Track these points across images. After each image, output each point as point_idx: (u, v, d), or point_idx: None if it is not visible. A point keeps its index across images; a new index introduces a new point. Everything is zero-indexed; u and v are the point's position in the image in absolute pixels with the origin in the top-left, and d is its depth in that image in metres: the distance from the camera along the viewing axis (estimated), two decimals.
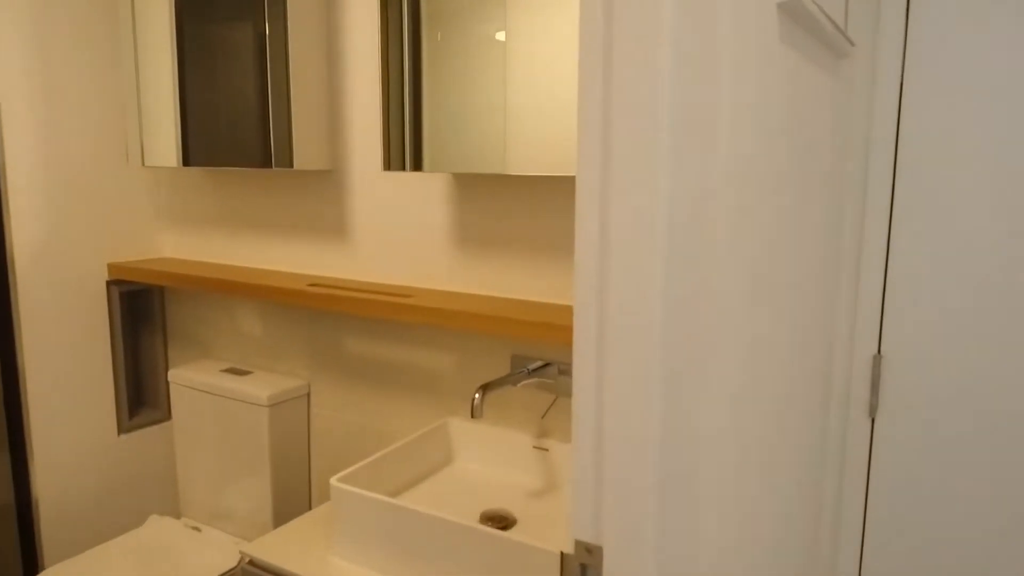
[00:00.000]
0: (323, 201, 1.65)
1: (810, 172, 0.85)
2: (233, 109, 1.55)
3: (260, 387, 1.67)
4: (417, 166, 1.32)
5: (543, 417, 1.41)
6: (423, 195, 1.50)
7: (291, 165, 1.50)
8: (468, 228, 1.45)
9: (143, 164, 1.73)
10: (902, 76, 1.08)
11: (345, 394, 1.69)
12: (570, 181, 1.32)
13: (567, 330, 1.21)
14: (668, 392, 0.56)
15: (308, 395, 1.75)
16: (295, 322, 1.75)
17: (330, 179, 1.63)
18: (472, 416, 1.26)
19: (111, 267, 1.86)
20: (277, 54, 1.47)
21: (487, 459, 1.45)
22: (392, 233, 1.55)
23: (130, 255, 1.91)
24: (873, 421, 1.20)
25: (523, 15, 1.18)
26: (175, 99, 1.65)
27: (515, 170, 1.23)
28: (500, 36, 1.22)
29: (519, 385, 1.43)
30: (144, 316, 2.01)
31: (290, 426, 1.71)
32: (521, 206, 1.38)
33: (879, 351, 1.18)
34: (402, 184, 1.52)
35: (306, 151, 1.53)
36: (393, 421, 1.62)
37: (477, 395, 1.26)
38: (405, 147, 1.32)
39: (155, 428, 2.00)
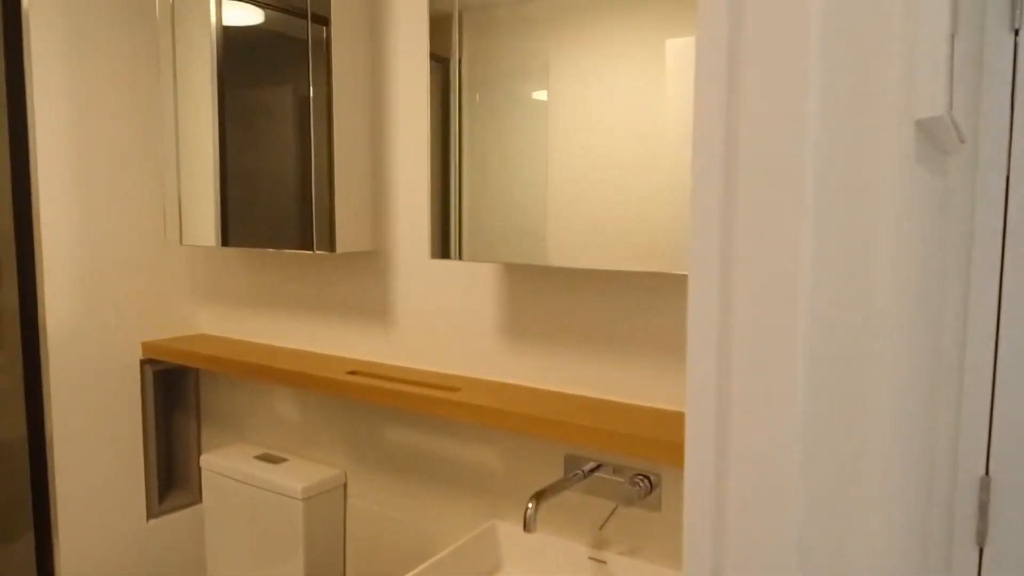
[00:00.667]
0: (366, 284, 1.58)
1: (929, 280, 0.75)
2: (274, 189, 1.50)
3: (295, 478, 1.58)
4: (460, 254, 1.24)
5: (601, 528, 1.29)
6: (470, 281, 1.41)
7: (333, 249, 1.43)
8: (516, 317, 1.36)
9: (181, 243, 1.69)
10: (1008, 167, 0.98)
11: (383, 487, 1.58)
12: (615, 272, 1.23)
13: (626, 439, 1.10)
14: (807, 521, 0.46)
15: (344, 486, 1.65)
16: (333, 408, 1.66)
17: (374, 261, 1.56)
18: (525, 529, 1.15)
19: (145, 346, 1.80)
20: (320, 132, 1.42)
21: (538, 568, 1.32)
22: (437, 319, 1.47)
23: (166, 331, 1.85)
24: (981, 551, 1.06)
25: (567, 85, 1.11)
26: (215, 178, 1.61)
27: (556, 261, 1.14)
28: (540, 95, 1.14)
29: (573, 489, 1.31)
30: (178, 396, 1.94)
31: (325, 519, 1.61)
32: (570, 296, 1.29)
33: (987, 472, 1.05)
34: (448, 269, 1.44)
35: (349, 233, 1.46)
36: (434, 519, 1.50)
37: (530, 506, 1.15)
38: (451, 235, 1.25)
39: (186, 512, 1.91)
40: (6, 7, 1.57)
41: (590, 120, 1.10)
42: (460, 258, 1.24)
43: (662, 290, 1.19)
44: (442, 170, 1.25)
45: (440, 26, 1.23)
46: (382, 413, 1.58)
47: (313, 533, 1.58)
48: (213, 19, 1.57)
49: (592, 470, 1.27)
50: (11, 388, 1.68)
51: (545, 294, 1.32)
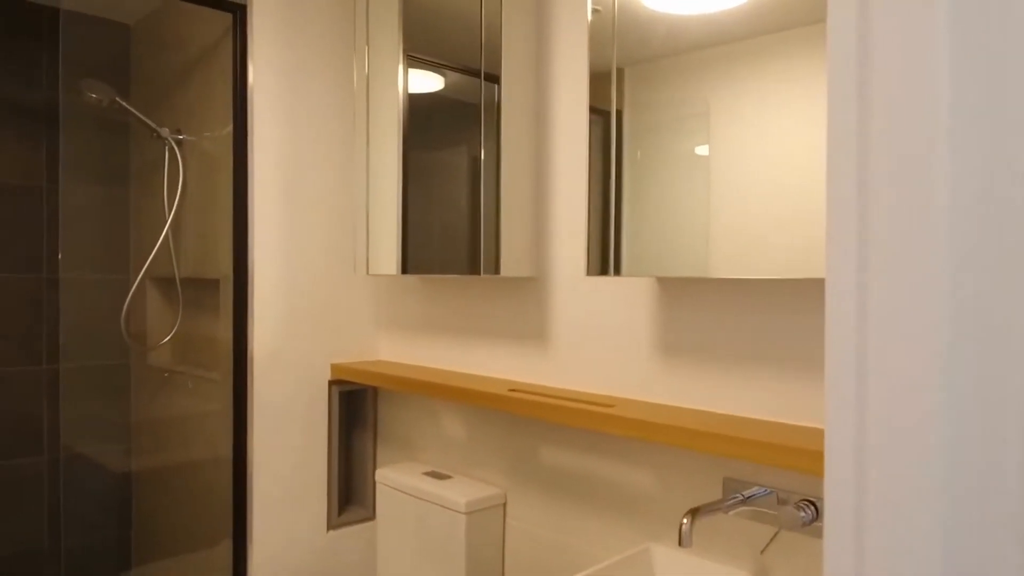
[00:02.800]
0: (526, 307, 1.67)
1: None
2: (447, 223, 1.65)
3: (459, 494, 1.66)
4: (618, 270, 1.29)
5: (762, 552, 1.25)
6: (625, 301, 1.45)
7: (498, 272, 1.54)
8: (673, 336, 1.37)
9: (367, 273, 1.88)
10: None
11: (541, 505, 1.63)
12: (781, 283, 1.21)
13: (788, 452, 1.07)
14: (948, 542, 0.45)
15: (504, 504, 1.71)
16: (494, 428, 1.75)
17: (533, 286, 1.65)
18: (680, 544, 1.14)
19: (334, 367, 2.00)
20: (490, 172, 1.55)
21: None
22: (594, 340, 1.52)
23: (351, 357, 2.05)
24: None
25: (727, 130, 1.14)
26: (398, 215, 1.78)
27: (718, 273, 1.16)
28: (702, 151, 1.18)
29: (731, 513, 1.28)
30: (358, 415, 2.12)
31: (486, 535, 1.68)
32: (727, 312, 1.29)
33: None
34: (604, 290, 1.49)
35: (512, 259, 1.57)
36: (589, 539, 1.52)
37: (685, 521, 1.14)
38: (608, 252, 1.30)
39: (361, 526, 2.06)
40: (236, 82, 1.88)
41: (753, 153, 1.13)
42: (618, 273, 1.29)
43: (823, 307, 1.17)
44: (601, 195, 1.32)
45: (603, 81, 1.32)
46: (540, 434, 1.63)
47: (475, 548, 1.65)
48: (400, 86, 1.78)
49: (752, 495, 1.24)
50: (224, 410, 1.93)
51: (700, 311, 1.33)
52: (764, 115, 1.12)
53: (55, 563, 2.45)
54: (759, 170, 1.12)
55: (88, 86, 2.15)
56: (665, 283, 1.39)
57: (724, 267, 1.16)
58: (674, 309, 1.37)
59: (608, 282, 1.49)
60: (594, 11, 1.33)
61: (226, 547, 1.93)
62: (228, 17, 1.89)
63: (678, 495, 1.37)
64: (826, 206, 0.50)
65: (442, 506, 1.68)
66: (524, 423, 1.68)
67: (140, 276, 2.22)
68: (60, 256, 2.40)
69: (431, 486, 1.73)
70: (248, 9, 1.87)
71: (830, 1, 0.51)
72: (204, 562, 2.12)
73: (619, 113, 1.29)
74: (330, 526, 2.01)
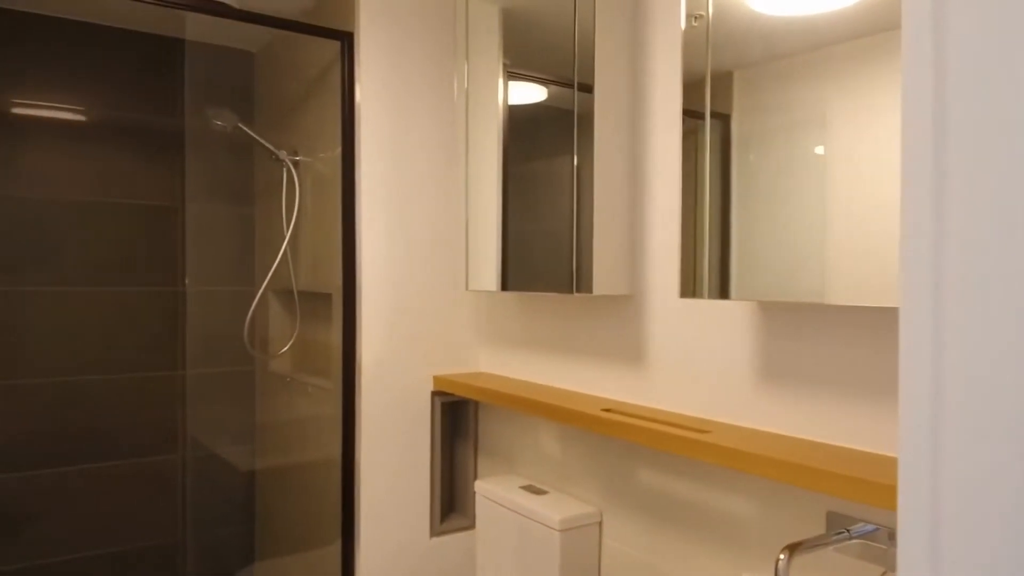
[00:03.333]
0: (621, 326, 1.65)
1: None
2: (543, 239, 1.66)
3: (554, 510, 1.66)
4: (724, 293, 1.24)
5: None
6: (723, 324, 1.40)
7: (590, 291, 1.53)
8: (773, 361, 1.31)
9: (467, 288, 1.91)
10: None
11: (636, 527, 1.60)
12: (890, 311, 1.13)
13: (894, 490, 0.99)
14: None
15: (600, 524, 1.69)
16: (590, 446, 1.73)
17: (628, 305, 1.62)
18: None
19: (436, 379, 2.05)
20: (583, 186, 1.54)
21: None
22: (690, 362, 1.48)
23: (452, 369, 2.10)
24: None
25: (844, 131, 1.08)
26: (497, 231, 1.81)
27: (835, 299, 1.09)
28: (818, 151, 1.12)
29: (834, 548, 1.21)
30: (460, 426, 2.17)
31: (581, 554, 1.67)
32: (838, 339, 1.21)
33: None
34: (702, 312, 1.45)
35: (605, 277, 1.55)
36: (685, 566, 1.48)
37: (782, 556, 1.09)
38: (706, 274, 1.26)
39: (462, 535, 2.10)
40: (344, 104, 1.97)
41: (872, 162, 1.06)
42: (721, 296, 1.25)
43: None
44: (702, 220, 1.28)
45: (708, 84, 1.28)
46: (635, 455, 1.60)
47: (569, 566, 1.64)
48: (500, 101, 1.80)
49: (859, 530, 1.16)
50: (334, 415, 2.03)
51: (804, 339, 1.26)
52: (886, 120, 1.05)
53: (186, 556, 2.67)
54: (880, 179, 1.05)
55: (214, 114, 2.32)
56: (770, 307, 1.33)
57: (841, 292, 1.09)
58: (778, 335, 1.31)
59: (704, 305, 1.44)
60: (696, 17, 1.29)
61: (337, 547, 2.02)
62: (337, 44, 1.98)
63: (777, 526, 1.30)
64: (900, 226, 0.47)
65: (537, 521, 1.68)
66: (618, 443, 1.65)
67: (261, 289, 2.38)
68: (187, 270, 2.62)
69: (527, 500, 1.74)
70: (355, 36, 1.96)
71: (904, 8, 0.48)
72: (319, 560, 2.23)
73: (726, 118, 1.25)
74: (433, 532, 2.07)
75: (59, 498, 2.44)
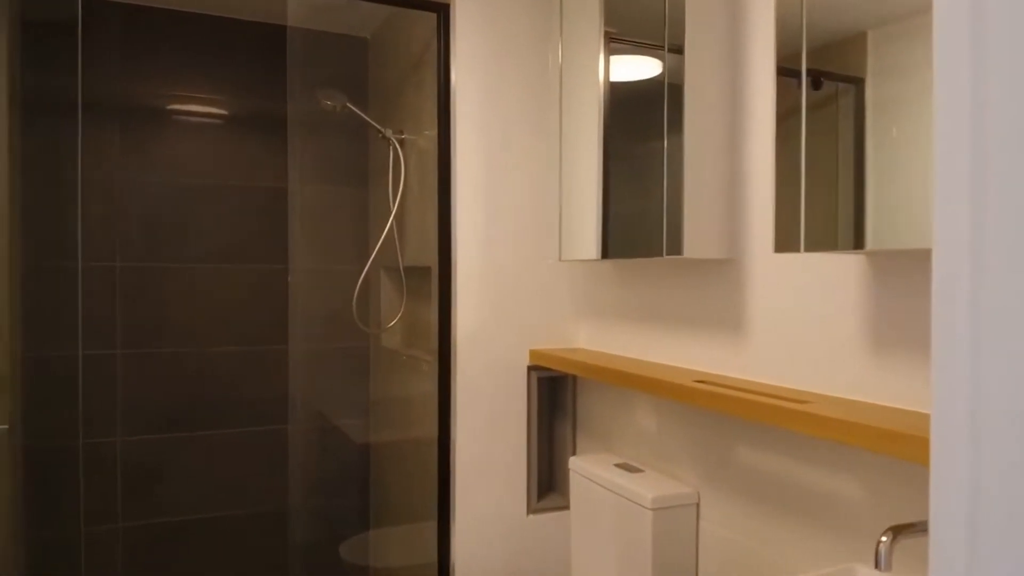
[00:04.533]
0: (719, 293, 1.53)
1: None
2: (640, 205, 1.57)
3: (647, 488, 1.57)
4: (816, 245, 1.11)
5: None
6: (828, 288, 1.26)
7: (680, 252, 1.42)
8: (887, 326, 1.15)
9: (560, 259, 1.86)
10: None
11: (735, 510, 1.47)
12: None
13: None
14: None
15: (697, 505, 1.58)
16: (687, 424, 1.63)
17: (726, 269, 1.50)
18: (876, 566, 0.96)
19: (532, 353, 2.01)
20: (674, 143, 1.43)
21: None
22: (792, 330, 1.34)
23: (549, 343, 2.05)
24: None
25: None
26: (598, 201, 1.72)
27: None
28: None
29: None
30: (558, 403, 2.11)
31: (676, 535, 1.57)
32: None
33: None
34: (806, 273, 1.31)
35: (698, 239, 1.44)
36: (788, 551, 1.34)
37: (884, 539, 0.95)
38: (799, 223, 1.13)
39: (561, 513, 2.05)
40: (439, 79, 1.98)
41: None
42: (820, 248, 1.12)
43: None
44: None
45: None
46: (733, 431, 1.48)
47: (662, 547, 1.55)
48: (600, 68, 1.72)
49: None
50: (431, 393, 2.04)
51: (924, 297, 1.10)
52: None
53: (302, 521, 2.80)
54: None
55: (324, 95, 2.41)
56: (882, 260, 1.17)
57: None
58: (896, 291, 1.15)
59: (805, 260, 1.30)
60: None
61: (434, 523, 2.03)
62: (434, 18, 1.99)
63: (887, 508, 1.15)
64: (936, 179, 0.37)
65: (629, 499, 1.60)
66: (716, 418, 1.54)
67: (367, 266, 2.44)
68: (296, 249, 2.75)
69: (620, 478, 1.66)
70: (451, 8, 1.95)
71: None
72: (424, 533, 2.25)
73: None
74: (530, 510, 2.03)
75: (184, 461, 2.64)
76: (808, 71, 1.13)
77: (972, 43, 0.38)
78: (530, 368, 2.02)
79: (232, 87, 2.70)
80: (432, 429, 2.00)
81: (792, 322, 1.33)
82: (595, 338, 2.00)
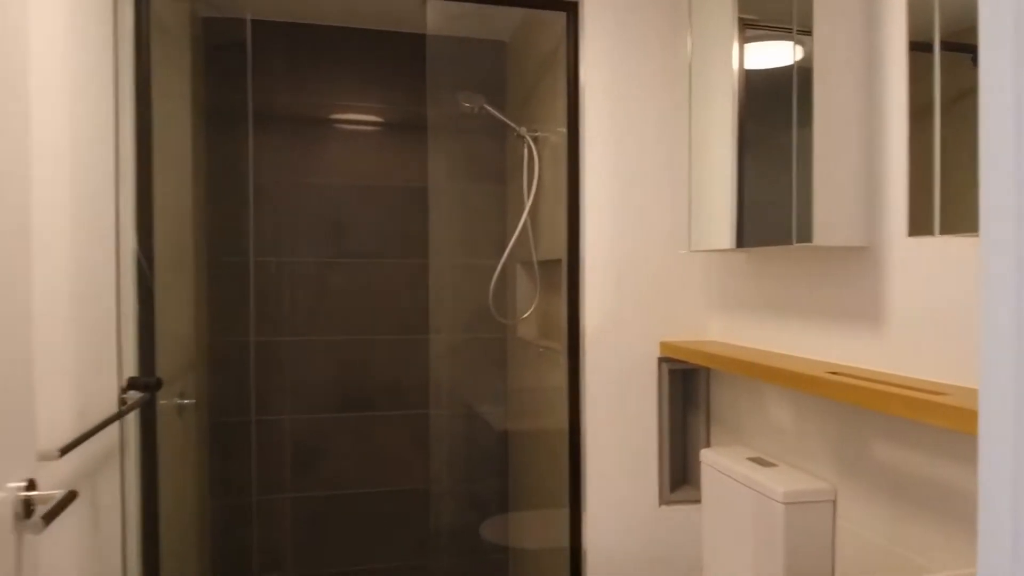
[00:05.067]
0: (856, 282, 1.46)
1: None
2: (772, 193, 1.54)
3: (778, 482, 1.54)
4: (953, 227, 1.05)
5: None
6: (969, 271, 1.17)
7: (810, 240, 1.38)
8: None
9: (690, 250, 1.85)
10: None
11: (874, 510, 1.41)
12: None
13: None
14: None
15: (834, 502, 1.53)
16: (822, 417, 1.57)
17: (863, 257, 1.43)
18: None
19: (663, 345, 2.01)
20: (805, 132, 1.39)
21: None
22: (930, 319, 1.26)
23: (680, 335, 2.04)
24: None
25: None
26: (731, 190, 1.70)
27: None
28: None
29: None
30: (690, 395, 2.10)
31: (810, 532, 1.52)
32: None
33: None
34: (943, 258, 1.23)
35: (830, 225, 1.39)
36: (932, 556, 1.27)
37: None
38: (932, 204, 1.07)
39: (694, 506, 2.04)
40: (568, 75, 2.02)
41: None
42: (955, 231, 1.06)
43: None
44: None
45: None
46: (871, 425, 1.42)
47: (795, 544, 1.51)
48: (734, 53, 1.70)
49: None
50: (561, 385, 2.09)
51: None
52: None
53: (445, 500, 2.96)
54: None
55: (463, 97, 2.53)
56: None
57: None
58: None
59: (942, 245, 1.22)
60: None
61: (565, 512, 2.08)
62: (563, 17, 2.04)
63: None
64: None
65: (761, 493, 1.57)
66: (852, 411, 1.47)
67: (503, 259, 2.54)
68: (434, 245, 2.91)
69: (753, 472, 1.63)
70: (580, 6, 2.00)
71: None
72: (558, 519, 2.32)
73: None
74: (662, 501, 2.03)
75: (341, 439, 2.88)
76: (945, 44, 1.07)
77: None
78: (661, 360, 2.03)
79: (380, 94, 2.90)
80: (565, 419, 2.06)
81: (929, 310, 1.26)
82: (727, 329, 1.97)
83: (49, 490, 1.05)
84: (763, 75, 1.59)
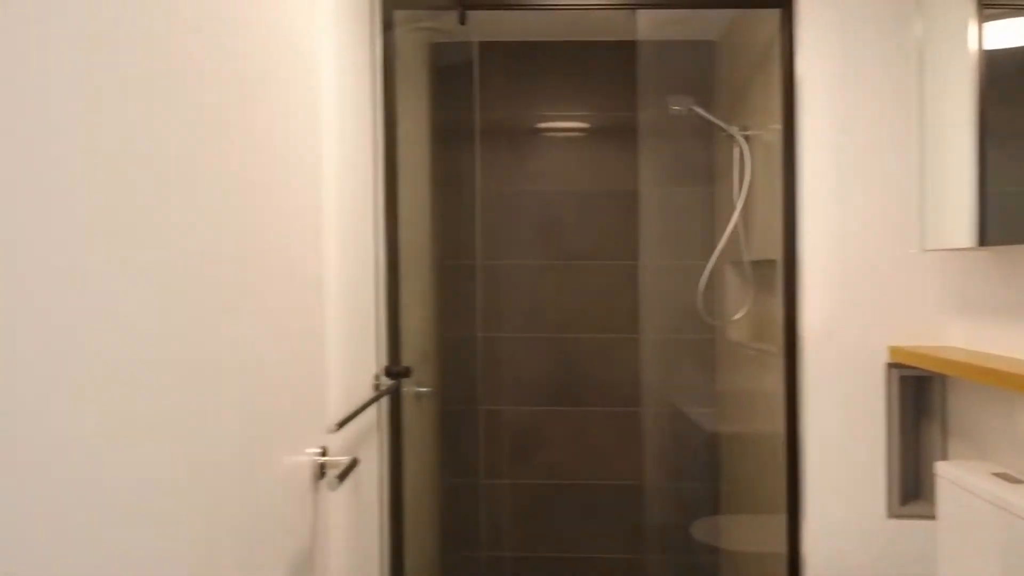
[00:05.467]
0: None
1: None
2: (1020, 182, 1.42)
3: None
4: None
5: None
6: None
7: None
8: None
9: (923, 249, 1.74)
10: None
11: None
12: None
13: None
14: None
15: None
16: None
17: None
18: None
19: (893, 350, 1.91)
20: None
21: None
22: None
23: (912, 339, 1.92)
24: None
25: None
26: (972, 183, 1.59)
27: None
28: None
29: None
30: (923, 405, 1.97)
31: None
32: None
33: None
34: None
35: None
36: None
37: None
38: None
39: (927, 522, 1.91)
40: (784, 71, 1.99)
41: None
42: None
43: None
44: None
45: None
46: None
47: None
48: (971, 37, 1.59)
49: None
50: (777, 389, 2.05)
51: None
52: None
53: (656, 498, 3.00)
54: None
55: (673, 101, 2.56)
56: None
57: None
58: None
59: None
60: None
61: (783, 518, 2.04)
62: (777, 12, 2.01)
63: None
64: None
65: (1012, 513, 1.45)
66: None
67: (712, 260, 2.53)
68: (642, 247, 2.96)
69: (999, 489, 1.51)
70: (794, 1, 1.96)
71: None
72: (772, 525, 2.29)
73: None
74: (890, 514, 1.93)
75: (556, 431, 3.03)
76: None
77: None
78: (890, 365, 1.92)
79: (590, 103, 3.02)
80: (780, 423, 2.02)
81: None
82: (970, 335, 1.82)
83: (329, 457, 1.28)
84: (1008, 55, 1.47)
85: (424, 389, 2.46)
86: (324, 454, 1.23)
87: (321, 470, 1.22)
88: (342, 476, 1.18)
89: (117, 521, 0.59)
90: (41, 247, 0.50)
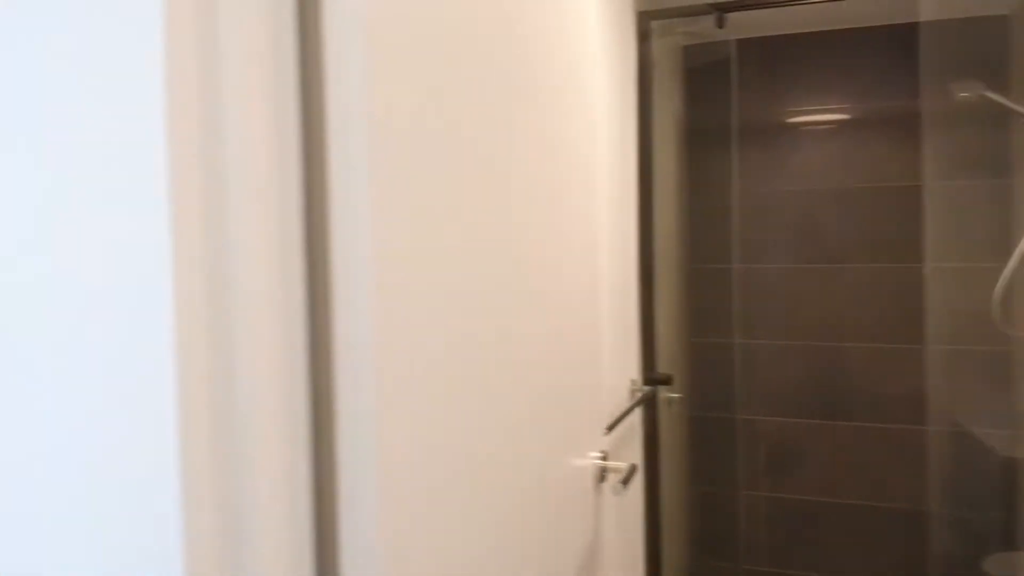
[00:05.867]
0: None
1: None
2: None
3: None
4: None
5: None
6: None
7: None
8: None
9: None
10: None
11: None
12: None
13: None
14: None
15: None
16: None
17: None
18: None
19: None
20: None
21: None
22: None
23: None
24: None
25: None
26: None
27: None
28: None
29: None
30: None
31: None
32: None
33: None
34: None
35: None
36: None
37: None
38: None
39: None
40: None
41: None
42: None
43: None
44: None
45: None
46: None
47: None
48: None
49: None
50: None
51: None
52: None
53: (937, 526, 2.70)
54: None
55: (959, 87, 2.29)
56: None
57: None
58: None
59: None
60: None
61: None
62: None
63: None
64: None
65: None
66: None
67: (1012, 262, 2.22)
68: (929, 247, 2.65)
69: None
70: None
71: None
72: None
73: None
74: None
75: (819, 445, 2.84)
76: None
77: None
78: None
79: (856, 93, 2.79)
80: None
81: None
82: None
83: (610, 462, 1.34)
84: None
85: (675, 395, 2.46)
86: (605, 458, 1.29)
87: (601, 474, 1.29)
88: (625, 481, 1.24)
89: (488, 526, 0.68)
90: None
